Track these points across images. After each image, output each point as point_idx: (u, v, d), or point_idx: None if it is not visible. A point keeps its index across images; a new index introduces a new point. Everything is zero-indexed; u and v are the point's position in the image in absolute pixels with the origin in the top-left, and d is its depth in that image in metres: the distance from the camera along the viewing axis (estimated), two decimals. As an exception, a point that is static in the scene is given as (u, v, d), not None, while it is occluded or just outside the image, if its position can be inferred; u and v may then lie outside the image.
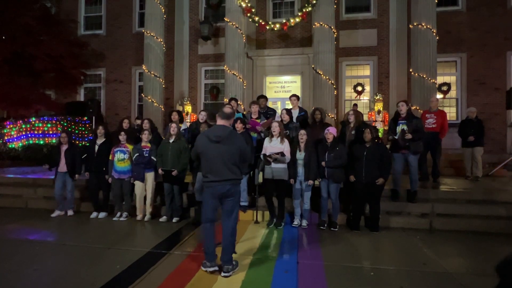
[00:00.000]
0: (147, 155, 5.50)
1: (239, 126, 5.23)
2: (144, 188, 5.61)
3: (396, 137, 5.30)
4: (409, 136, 5.16)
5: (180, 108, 11.35)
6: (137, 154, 5.47)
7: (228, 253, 3.34)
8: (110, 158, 5.67)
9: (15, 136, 10.41)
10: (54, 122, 10.16)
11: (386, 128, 7.68)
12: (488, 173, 7.51)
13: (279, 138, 4.97)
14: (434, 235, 4.77)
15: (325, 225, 5.05)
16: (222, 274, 3.28)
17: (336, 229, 4.94)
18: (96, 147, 5.84)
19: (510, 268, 1.35)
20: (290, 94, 6.54)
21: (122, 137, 5.70)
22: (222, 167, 3.26)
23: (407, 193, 5.55)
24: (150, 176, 5.61)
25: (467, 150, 6.91)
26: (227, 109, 3.44)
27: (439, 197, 5.65)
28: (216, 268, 3.35)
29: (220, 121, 3.40)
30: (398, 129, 5.37)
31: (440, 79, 9.89)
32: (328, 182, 4.97)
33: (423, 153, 6.37)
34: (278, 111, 6.41)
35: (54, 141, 9.80)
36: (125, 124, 6.31)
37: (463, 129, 6.96)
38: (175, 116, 6.33)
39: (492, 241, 4.50)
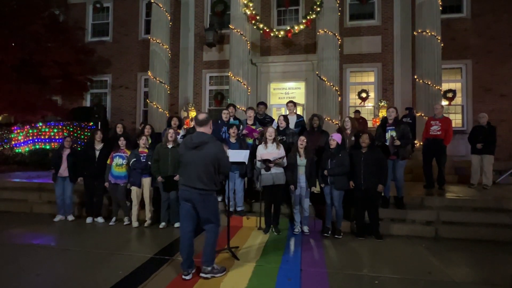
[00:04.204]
0: (144, 160, 5.49)
1: (234, 132, 5.24)
2: (141, 194, 5.60)
3: (386, 143, 5.27)
4: (397, 142, 5.15)
5: (185, 114, 11.42)
6: (134, 159, 5.45)
7: (206, 254, 3.36)
8: (108, 162, 5.68)
9: (22, 141, 10.55)
10: (60, 127, 10.30)
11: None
12: (494, 180, 7.40)
13: (274, 144, 4.96)
14: (439, 243, 4.70)
15: (329, 232, 5.00)
16: (200, 274, 3.33)
17: (340, 237, 4.89)
18: (97, 153, 5.85)
19: None
20: (295, 100, 6.54)
21: (122, 142, 5.71)
22: (193, 175, 3.24)
23: (395, 200, 5.49)
24: (146, 181, 5.60)
25: (475, 157, 6.73)
26: (200, 116, 3.40)
27: (445, 204, 5.59)
28: (188, 277, 3.33)
29: (198, 128, 3.40)
30: (388, 135, 5.36)
31: (445, 86, 9.84)
32: (331, 189, 4.94)
33: (428, 160, 6.33)
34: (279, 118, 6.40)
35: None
36: (119, 130, 6.34)
37: (472, 136, 6.81)
38: (175, 122, 6.37)
39: (499, 250, 4.42)
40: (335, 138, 4.95)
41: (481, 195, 6.02)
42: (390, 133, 5.34)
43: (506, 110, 9.66)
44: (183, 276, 3.33)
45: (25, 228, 5.41)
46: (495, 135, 6.68)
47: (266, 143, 5.00)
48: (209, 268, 3.34)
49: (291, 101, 6.41)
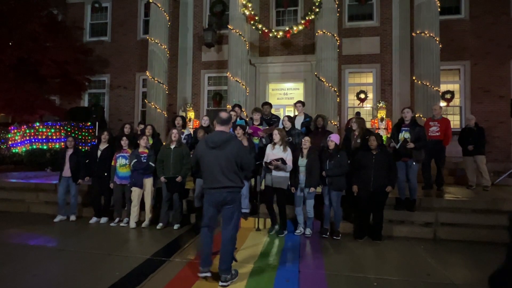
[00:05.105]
0: (145, 160, 5.46)
1: (239, 132, 5.22)
2: (142, 194, 5.57)
3: (397, 146, 5.24)
4: (411, 145, 5.11)
5: (183, 114, 11.39)
6: (135, 160, 5.41)
7: (225, 262, 3.26)
8: (113, 163, 5.66)
9: (19, 141, 10.49)
10: (58, 127, 10.24)
11: (389, 135, 7.61)
12: (493, 182, 7.41)
13: (281, 146, 4.94)
14: (438, 245, 4.69)
15: (328, 233, 4.98)
16: (220, 283, 3.22)
17: (339, 238, 4.87)
18: (99, 152, 5.84)
19: (500, 279, 1.35)
20: (293, 101, 6.56)
21: (124, 142, 5.69)
22: (219, 174, 3.20)
23: (405, 202, 5.48)
24: (148, 182, 5.57)
25: (468, 158, 6.81)
26: (223, 114, 3.37)
27: (443, 206, 5.58)
28: (208, 274, 3.31)
29: (218, 127, 3.36)
30: (401, 136, 5.32)
31: (443, 87, 9.84)
32: (329, 190, 4.92)
33: (426, 161, 6.32)
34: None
35: (57, 146, 9.86)
36: (126, 130, 6.32)
37: (462, 138, 6.89)
38: (179, 122, 6.33)
39: (498, 251, 4.39)
40: (333, 139, 4.93)
41: (479, 197, 6.02)
42: (404, 134, 5.29)
43: (504, 112, 9.67)
44: (203, 274, 3.31)
45: (22, 229, 5.37)
46: (484, 135, 6.78)
47: (274, 144, 5.01)
48: (229, 276, 3.25)
49: (299, 101, 6.41)
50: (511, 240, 1.41)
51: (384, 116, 10.16)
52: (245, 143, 5.18)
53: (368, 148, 4.85)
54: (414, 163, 5.25)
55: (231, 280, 3.26)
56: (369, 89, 11.23)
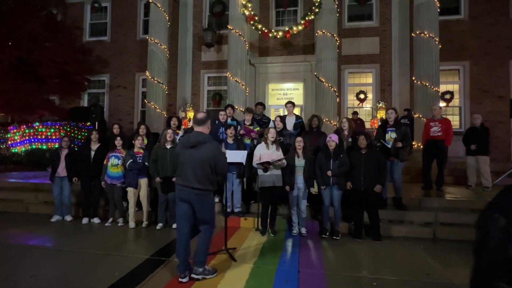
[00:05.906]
0: (140, 161, 5.44)
1: (231, 133, 5.20)
2: (138, 195, 5.55)
3: (389, 146, 5.23)
4: (399, 144, 5.14)
5: (183, 114, 11.39)
6: (131, 160, 5.38)
7: (199, 255, 3.31)
8: (105, 162, 5.63)
9: (18, 140, 10.48)
10: (57, 127, 10.23)
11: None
12: (493, 182, 7.41)
13: (274, 145, 4.94)
14: (438, 245, 4.69)
15: (327, 233, 4.97)
16: (191, 275, 3.28)
17: (338, 238, 4.87)
18: (92, 153, 5.80)
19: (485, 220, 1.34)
20: (293, 101, 6.52)
21: (118, 142, 5.66)
22: (190, 174, 3.21)
23: (393, 201, 5.48)
24: (143, 182, 5.54)
25: (470, 158, 6.79)
26: (199, 115, 3.36)
27: (443, 206, 5.58)
28: (185, 279, 3.28)
29: (195, 128, 3.36)
30: (387, 136, 5.34)
31: (443, 87, 9.87)
32: (332, 190, 4.91)
33: (428, 162, 6.32)
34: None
35: (57, 146, 9.84)
36: (115, 130, 6.32)
37: (466, 137, 6.88)
38: (175, 122, 6.32)
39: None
40: (334, 139, 4.92)
41: (479, 197, 6.03)
42: (390, 134, 5.32)
43: (503, 112, 9.69)
44: (180, 279, 3.29)
45: (20, 229, 5.35)
46: (488, 136, 6.74)
47: (266, 143, 4.98)
48: (201, 269, 3.31)
49: (290, 102, 6.38)
50: (478, 238, 1.38)
51: (383, 117, 10.15)
52: (230, 142, 5.23)
53: (358, 148, 4.87)
54: (400, 162, 5.27)
55: (202, 274, 3.30)
56: (369, 89, 11.25)
